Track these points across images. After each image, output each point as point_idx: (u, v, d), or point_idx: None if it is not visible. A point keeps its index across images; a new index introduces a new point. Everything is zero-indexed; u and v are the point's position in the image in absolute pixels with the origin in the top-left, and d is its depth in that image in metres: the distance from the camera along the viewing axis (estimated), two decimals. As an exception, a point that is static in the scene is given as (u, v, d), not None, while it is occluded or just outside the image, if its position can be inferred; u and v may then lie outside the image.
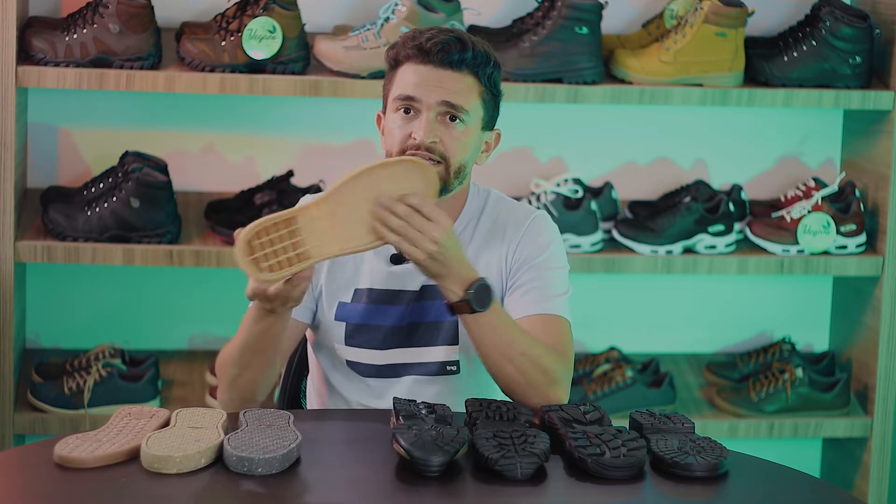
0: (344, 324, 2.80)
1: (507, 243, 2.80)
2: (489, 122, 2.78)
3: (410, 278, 2.78)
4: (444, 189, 2.72)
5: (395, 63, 2.74)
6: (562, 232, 3.75)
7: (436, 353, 2.77)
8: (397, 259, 2.80)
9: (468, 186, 2.83)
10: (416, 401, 2.52)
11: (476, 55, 2.71)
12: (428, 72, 2.70)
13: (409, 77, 2.71)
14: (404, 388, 2.79)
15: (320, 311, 2.82)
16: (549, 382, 2.63)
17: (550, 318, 2.73)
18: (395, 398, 2.53)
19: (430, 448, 2.32)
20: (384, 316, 2.76)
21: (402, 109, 2.70)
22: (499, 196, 2.87)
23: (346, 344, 2.80)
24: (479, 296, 2.59)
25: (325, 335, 2.83)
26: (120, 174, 3.66)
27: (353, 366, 2.81)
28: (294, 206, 2.53)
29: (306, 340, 2.95)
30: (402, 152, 2.69)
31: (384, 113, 2.78)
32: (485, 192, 2.87)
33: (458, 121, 2.70)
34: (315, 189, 3.75)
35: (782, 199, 4.00)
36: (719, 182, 4.07)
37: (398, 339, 2.77)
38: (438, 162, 2.69)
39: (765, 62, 3.79)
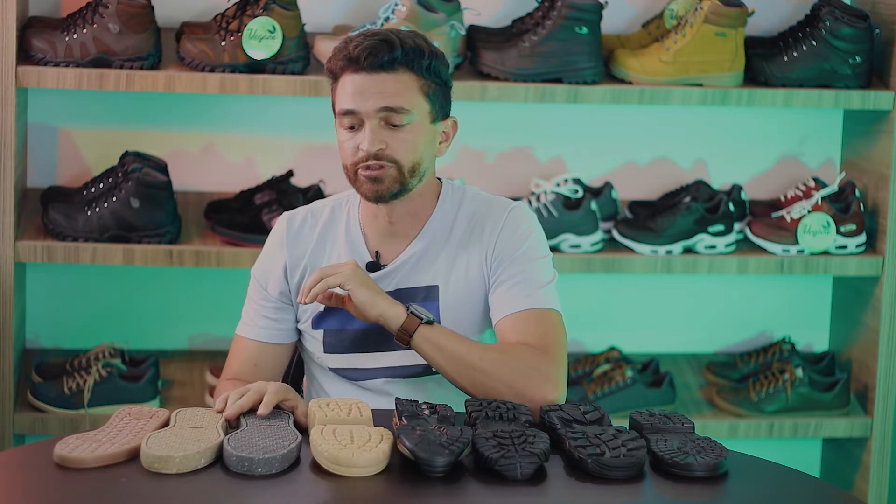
0: (322, 331, 2.81)
1: (485, 241, 2.78)
2: (440, 113, 2.76)
3: (384, 283, 2.77)
4: (403, 189, 2.72)
5: (333, 78, 2.74)
6: (562, 232, 3.75)
7: (404, 357, 2.76)
8: (373, 266, 2.80)
9: (437, 186, 2.82)
10: (418, 401, 2.52)
11: (406, 51, 2.68)
12: (362, 80, 2.68)
13: (347, 89, 2.70)
14: (377, 389, 2.79)
15: (303, 325, 2.84)
16: (527, 380, 2.61)
17: (539, 313, 2.72)
18: (397, 398, 2.52)
19: (435, 449, 2.31)
20: (357, 320, 2.74)
21: (347, 124, 2.71)
22: (474, 193, 2.85)
23: (325, 352, 2.81)
24: (420, 309, 2.66)
25: (307, 345, 2.85)
26: (120, 174, 3.66)
27: (338, 371, 2.81)
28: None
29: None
30: (355, 165, 2.71)
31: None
32: (459, 190, 2.84)
33: (401, 122, 2.69)
34: (315, 188, 3.73)
35: (782, 199, 4.00)
36: (719, 182, 4.07)
37: (369, 342, 2.77)
38: (391, 165, 2.69)
39: (765, 62, 3.79)
